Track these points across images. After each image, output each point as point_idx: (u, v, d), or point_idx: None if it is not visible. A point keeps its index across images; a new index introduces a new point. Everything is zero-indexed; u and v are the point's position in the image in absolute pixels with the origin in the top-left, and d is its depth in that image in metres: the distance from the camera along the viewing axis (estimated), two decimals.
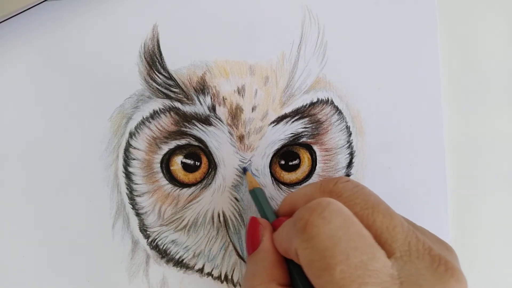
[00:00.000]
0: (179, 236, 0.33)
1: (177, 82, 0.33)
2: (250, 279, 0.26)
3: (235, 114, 0.33)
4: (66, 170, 0.33)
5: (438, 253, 0.21)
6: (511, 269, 0.33)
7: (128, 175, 0.33)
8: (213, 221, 0.32)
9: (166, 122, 0.33)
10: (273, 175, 0.33)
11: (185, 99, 0.33)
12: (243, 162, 0.32)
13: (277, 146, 0.33)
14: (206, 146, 0.33)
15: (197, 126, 0.33)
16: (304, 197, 0.26)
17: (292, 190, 0.33)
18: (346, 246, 0.21)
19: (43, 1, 0.33)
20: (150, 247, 0.32)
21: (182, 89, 0.33)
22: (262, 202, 0.30)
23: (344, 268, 0.20)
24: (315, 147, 0.33)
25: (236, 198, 0.32)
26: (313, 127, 0.33)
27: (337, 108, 0.34)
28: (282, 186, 0.33)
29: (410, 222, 0.24)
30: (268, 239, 0.27)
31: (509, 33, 0.35)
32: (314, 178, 0.33)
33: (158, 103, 0.33)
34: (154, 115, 0.33)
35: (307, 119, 0.33)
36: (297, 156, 0.33)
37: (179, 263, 0.32)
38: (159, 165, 0.33)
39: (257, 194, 0.30)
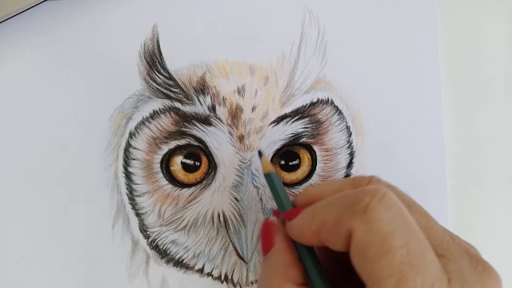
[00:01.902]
0: (179, 236, 0.33)
1: (177, 82, 0.33)
2: (265, 280, 0.25)
3: (235, 114, 0.33)
4: (66, 170, 0.33)
5: (475, 253, 0.22)
6: (511, 269, 0.33)
7: (128, 175, 0.33)
8: (213, 221, 0.32)
9: (166, 122, 0.33)
10: None
11: (185, 99, 0.33)
12: (243, 162, 0.32)
13: (277, 146, 0.33)
14: (206, 146, 0.33)
15: (197, 126, 0.33)
16: (333, 190, 0.26)
17: (293, 190, 0.33)
18: (405, 234, 0.21)
19: (43, 1, 0.33)
20: (150, 247, 0.32)
21: (182, 89, 0.33)
22: (279, 188, 0.29)
23: (404, 253, 0.20)
24: (315, 147, 0.33)
25: (236, 198, 0.32)
26: (313, 127, 0.33)
27: (337, 108, 0.34)
28: None
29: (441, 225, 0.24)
30: (282, 240, 0.27)
31: (509, 33, 0.35)
32: (314, 178, 0.33)
33: (158, 103, 0.33)
34: (154, 115, 0.33)
35: (307, 119, 0.33)
36: (297, 156, 0.33)
37: (179, 263, 0.32)
38: (159, 165, 0.33)
39: (273, 179, 0.29)
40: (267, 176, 0.29)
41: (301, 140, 0.33)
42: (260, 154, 0.31)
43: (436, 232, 0.23)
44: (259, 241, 0.29)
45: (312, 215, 0.24)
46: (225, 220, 0.32)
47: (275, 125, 0.33)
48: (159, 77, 0.33)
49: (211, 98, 0.33)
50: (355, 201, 0.22)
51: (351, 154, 0.34)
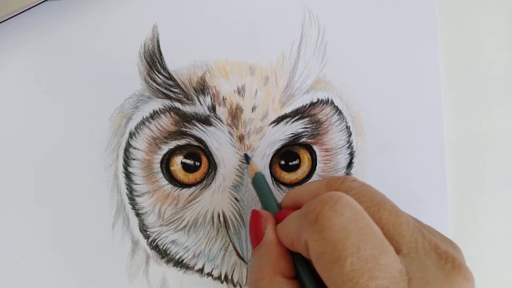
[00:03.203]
0: (179, 236, 0.33)
1: (177, 82, 0.33)
2: (255, 273, 0.25)
3: (235, 114, 0.33)
4: (66, 170, 0.33)
5: (445, 250, 0.21)
6: (511, 269, 0.33)
7: (128, 175, 0.33)
8: (213, 221, 0.32)
9: (166, 122, 0.33)
10: (273, 175, 0.33)
11: (185, 99, 0.33)
12: (243, 162, 0.32)
13: (277, 146, 0.33)
14: (206, 146, 0.33)
15: (197, 126, 0.33)
16: (310, 193, 0.26)
17: None
18: (357, 239, 0.21)
19: (43, 1, 0.33)
20: (150, 247, 0.32)
21: (182, 89, 0.33)
22: (264, 191, 0.29)
23: (355, 260, 0.20)
24: (315, 147, 0.33)
25: (236, 198, 0.32)
26: (313, 127, 0.33)
27: (337, 108, 0.34)
28: (282, 186, 0.33)
29: (416, 220, 0.24)
30: (271, 231, 0.26)
31: (509, 33, 0.35)
32: (314, 178, 0.33)
33: (158, 103, 0.33)
34: (154, 115, 0.33)
35: (307, 119, 0.33)
36: (297, 156, 0.33)
37: (179, 263, 0.32)
38: (159, 165, 0.33)
39: (259, 182, 0.30)
40: (253, 179, 0.30)
41: (301, 140, 0.33)
42: (247, 158, 0.31)
43: (405, 230, 0.22)
44: (248, 232, 0.29)
45: (285, 227, 0.25)
46: (225, 220, 0.32)
47: (275, 125, 0.33)
48: (159, 77, 0.33)
49: (211, 98, 0.33)
50: (307, 211, 0.23)
51: (351, 154, 0.34)
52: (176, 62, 0.33)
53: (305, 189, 0.27)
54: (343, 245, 0.21)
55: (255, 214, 0.28)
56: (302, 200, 0.26)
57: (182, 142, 0.33)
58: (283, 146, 0.33)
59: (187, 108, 0.33)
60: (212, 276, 0.32)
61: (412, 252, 0.21)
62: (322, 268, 0.21)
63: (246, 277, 0.32)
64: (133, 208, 0.33)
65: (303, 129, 0.33)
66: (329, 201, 0.22)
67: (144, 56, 0.33)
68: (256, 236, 0.27)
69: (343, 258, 0.20)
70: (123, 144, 0.33)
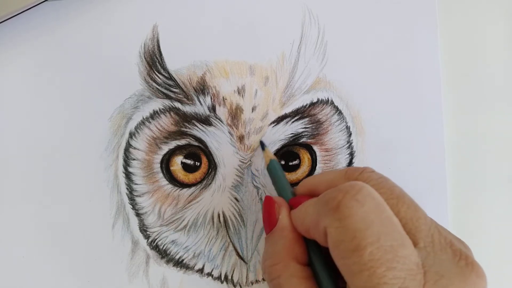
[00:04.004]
0: (179, 236, 0.33)
1: (177, 82, 0.33)
2: (269, 257, 0.26)
3: (235, 114, 0.33)
4: (66, 170, 0.33)
5: (459, 248, 0.22)
6: (511, 269, 0.33)
7: (128, 175, 0.33)
8: (213, 221, 0.32)
9: (166, 122, 0.33)
10: None
11: (185, 99, 0.33)
12: (243, 162, 0.32)
13: (277, 146, 0.33)
14: (206, 146, 0.33)
15: (197, 126, 0.33)
16: (327, 181, 0.26)
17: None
18: (377, 230, 0.21)
19: (43, 1, 0.33)
20: (150, 247, 0.32)
21: (182, 89, 0.33)
22: (279, 178, 0.29)
23: (374, 250, 0.20)
24: (315, 147, 0.33)
25: (236, 198, 0.32)
26: (313, 127, 0.33)
27: (337, 108, 0.34)
28: None
29: (430, 218, 0.24)
30: (286, 217, 0.27)
31: (509, 32, 0.35)
32: None
33: (158, 103, 0.33)
34: (154, 115, 0.33)
35: (307, 119, 0.33)
36: (297, 156, 0.33)
37: (179, 263, 0.32)
38: (159, 165, 0.33)
39: (274, 168, 0.30)
40: (269, 165, 0.30)
41: (301, 140, 0.33)
42: (262, 145, 0.31)
43: (422, 225, 0.22)
44: (262, 218, 0.29)
45: (301, 213, 0.25)
46: (225, 220, 0.32)
47: (275, 125, 0.33)
48: (159, 77, 0.33)
49: (211, 98, 0.33)
50: (329, 199, 0.23)
51: (351, 154, 0.34)
52: (176, 62, 0.33)
53: (322, 177, 0.27)
54: (363, 234, 0.21)
55: (268, 200, 0.28)
56: (319, 189, 0.26)
57: (182, 142, 0.33)
58: (283, 146, 0.33)
59: (187, 108, 0.33)
60: (212, 276, 0.32)
61: (428, 247, 0.22)
62: (340, 255, 0.21)
63: (247, 277, 0.32)
64: (133, 208, 0.33)
65: (303, 129, 0.33)
66: (351, 190, 0.22)
67: (144, 56, 0.33)
68: (270, 222, 0.27)
69: (362, 247, 0.20)
70: (123, 144, 0.33)
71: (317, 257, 0.25)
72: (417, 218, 0.23)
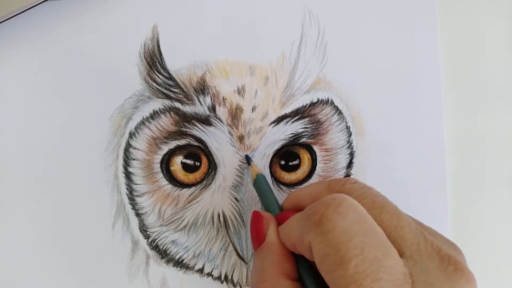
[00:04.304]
0: (179, 236, 0.33)
1: (177, 82, 0.33)
2: (258, 274, 0.25)
3: (235, 114, 0.33)
4: (66, 170, 0.33)
5: (447, 253, 0.21)
6: (511, 269, 0.33)
7: (128, 175, 0.33)
8: (213, 221, 0.32)
9: (166, 122, 0.33)
10: (273, 175, 0.33)
11: (185, 99, 0.33)
12: (243, 162, 0.32)
13: (277, 146, 0.33)
14: (206, 146, 0.33)
15: (197, 126, 0.33)
16: (311, 195, 0.26)
17: (293, 190, 0.33)
18: (361, 241, 0.21)
19: (43, 1, 0.33)
20: (150, 247, 0.32)
21: (182, 89, 0.33)
22: (266, 193, 0.29)
23: (359, 262, 0.20)
24: (315, 147, 0.33)
25: (236, 198, 0.32)
26: (313, 127, 0.33)
27: (337, 108, 0.34)
28: (282, 187, 0.33)
29: (417, 222, 0.24)
30: (274, 233, 0.26)
31: (509, 32, 0.35)
32: (314, 179, 0.33)
33: (158, 103, 0.33)
34: (154, 115, 0.33)
35: (307, 119, 0.33)
36: (297, 157, 0.33)
37: (179, 263, 0.32)
38: (159, 165, 0.33)
39: (261, 183, 0.30)
40: (254, 181, 0.30)
41: (301, 140, 0.33)
42: (248, 160, 0.31)
43: (407, 233, 0.22)
44: (250, 234, 0.28)
45: (288, 228, 0.25)
46: (225, 220, 0.32)
47: (275, 125, 0.33)
48: (159, 77, 0.33)
49: (211, 98, 0.33)
50: (311, 213, 0.22)
51: (351, 154, 0.34)
52: (176, 62, 0.33)
53: (306, 191, 0.27)
54: (346, 247, 0.21)
55: (256, 215, 0.28)
56: (304, 202, 0.26)
57: (182, 142, 0.33)
58: (283, 146, 0.33)
59: (187, 108, 0.33)
60: (212, 276, 0.32)
61: (415, 255, 0.21)
62: (326, 270, 0.21)
63: (246, 277, 0.32)
64: (133, 208, 0.33)
65: (303, 129, 0.33)
66: (332, 203, 0.22)
67: (144, 56, 0.33)
68: (258, 238, 0.27)
69: (346, 260, 0.20)
70: (123, 144, 0.33)
71: (306, 272, 0.25)
72: (401, 227, 0.22)
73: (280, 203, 0.29)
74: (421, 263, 0.21)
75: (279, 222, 0.27)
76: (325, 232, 0.21)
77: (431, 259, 0.21)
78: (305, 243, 0.23)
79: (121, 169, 0.33)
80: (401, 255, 0.21)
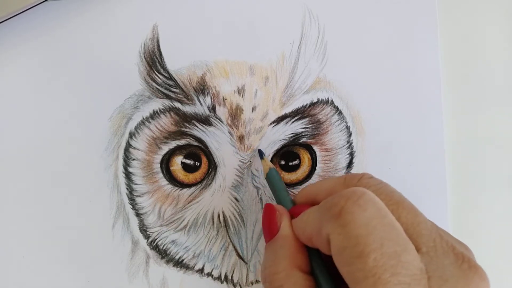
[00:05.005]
0: (179, 236, 0.33)
1: (177, 82, 0.33)
2: (270, 266, 0.25)
3: (235, 114, 0.33)
4: (66, 170, 0.33)
5: (461, 251, 0.22)
6: (511, 269, 0.33)
7: (128, 175, 0.33)
8: (213, 222, 0.32)
9: (166, 122, 0.33)
10: None
11: (185, 99, 0.33)
12: (243, 162, 0.32)
13: (277, 146, 0.33)
14: (206, 147, 0.33)
15: (197, 126, 0.33)
16: (326, 189, 0.26)
17: (293, 190, 0.33)
18: (380, 236, 0.21)
19: (43, 1, 0.33)
20: (150, 247, 0.32)
21: (182, 89, 0.33)
22: (279, 187, 0.29)
23: (378, 256, 0.20)
24: (315, 147, 0.33)
25: (236, 199, 0.32)
26: (313, 127, 0.33)
27: (337, 108, 0.34)
28: None
29: (431, 221, 0.24)
30: (288, 225, 0.26)
31: (509, 33, 0.35)
32: (314, 179, 0.33)
33: (158, 103, 0.33)
34: (154, 115, 0.33)
35: (307, 119, 0.33)
36: (297, 157, 0.33)
37: (179, 264, 0.32)
38: (159, 165, 0.33)
39: (273, 177, 0.29)
40: (268, 174, 0.30)
41: (301, 140, 0.33)
42: (261, 154, 0.31)
43: (423, 229, 0.22)
44: (262, 226, 0.28)
45: (304, 221, 0.25)
46: (225, 220, 0.32)
47: (275, 125, 0.33)
48: (159, 77, 0.33)
49: (211, 98, 0.33)
50: (331, 205, 0.22)
51: (351, 154, 0.34)
52: (176, 62, 0.33)
53: (321, 185, 0.27)
54: (366, 240, 0.21)
55: (269, 208, 0.28)
56: (318, 197, 0.26)
57: (182, 142, 0.33)
58: (283, 146, 0.33)
59: (187, 108, 0.33)
60: (212, 276, 0.32)
61: (431, 251, 0.21)
62: (344, 262, 0.21)
63: (247, 277, 0.32)
64: (133, 208, 0.33)
65: (303, 129, 0.33)
66: (352, 196, 0.22)
67: (144, 56, 0.33)
68: (271, 230, 0.27)
69: (366, 254, 0.20)
70: (123, 144, 0.33)
71: (319, 266, 0.25)
72: (418, 223, 0.23)
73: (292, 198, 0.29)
74: (437, 259, 0.21)
75: (292, 215, 0.27)
76: (345, 225, 0.21)
77: (447, 256, 0.21)
78: (323, 235, 0.23)
79: (121, 169, 0.33)
80: (417, 251, 0.21)
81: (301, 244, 0.26)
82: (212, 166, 0.33)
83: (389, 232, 0.21)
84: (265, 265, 0.26)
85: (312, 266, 0.25)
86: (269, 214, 0.27)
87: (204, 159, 0.33)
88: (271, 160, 0.33)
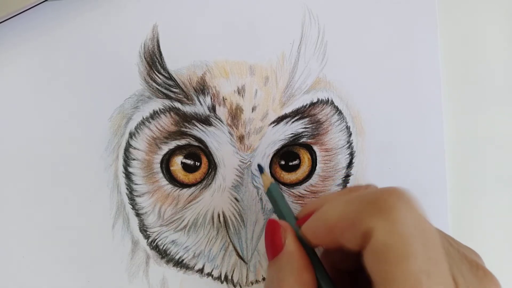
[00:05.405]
0: (179, 236, 0.33)
1: (177, 82, 0.33)
2: (276, 285, 0.24)
3: (235, 114, 0.33)
4: (66, 170, 0.33)
5: (474, 259, 0.22)
6: (511, 269, 0.33)
7: (128, 175, 0.33)
8: (213, 222, 0.32)
9: (166, 122, 0.33)
10: (273, 175, 0.33)
11: (185, 99, 0.33)
12: (243, 162, 0.32)
13: (277, 146, 0.33)
14: (206, 147, 0.33)
15: (197, 126, 0.33)
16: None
17: (292, 190, 0.33)
18: (427, 238, 0.20)
19: (43, 1, 0.33)
20: (150, 247, 0.32)
21: (182, 89, 0.33)
22: (281, 202, 0.28)
23: (425, 260, 0.19)
24: (315, 147, 0.33)
25: (236, 199, 0.32)
26: (313, 127, 0.33)
27: (337, 108, 0.34)
28: (282, 187, 0.33)
29: (438, 229, 0.24)
30: (293, 241, 0.25)
31: (509, 33, 0.35)
32: (314, 178, 0.33)
33: (158, 103, 0.33)
34: (154, 115, 0.33)
35: (307, 119, 0.33)
36: (297, 157, 0.33)
37: (179, 264, 0.32)
38: (159, 165, 0.33)
39: (275, 193, 0.28)
40: (268, 190, 0.29)
41: (301, 140, 0.33)
42: (261, 169, 0.30)
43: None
44: (265, 243, 0.27)
45: (328, 213, 0.23)
46: (225, 220, 0.32)
47: (275, 125, 0.33)
48: (159, 77, 0.33)
49: (211, 98, 0.33)
50: (378, 199, 0.21)
51: (351, 154, 0.34)
52: (176, 62, 0.33)
53: (327, 198, 0.26)
54: (414, 241, 0.19)
55: (272, 223, 0.26)
56: None
57: (182, 142, 0.33)
58: (283, 146, 0.33)
59: (187, 108, 0.33)
60: (212, 276, 0.32)
61: (449, 260, 0.21)
62: (383, 260, 0.20)
63: (247, 277, 0.32)
64: (133, 208, 0.33)
65: (303, 129, 0.33)
66: (402, 195, 0.21)
67: (144, 56, 0.33)
68: (275, 247, 0.25)
69: (414, 256, 0.19)
70: (123, 144, 0.33)
71: (326, 283, 0.24)
72: None
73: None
74: (456, 267, 0.21)
75: (299, 225, 0.26)
76: (395, 222, 0.20)
77: (463, 264, 0.21)
78: (361, 228, 0.21)
79: (121, 169, 0.33)
80: None
81: (306, 261, 0.24)
82: (212, 166, 0.33)
83: (433, 237, 0.20)
84: (269, 284, 0.25)
85: (319, 283, 0.24)
86: (272, 230, 0.26)
87: (204, 159, 0.33)
88: (271, 160, 0.33)
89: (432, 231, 0.20)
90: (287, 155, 0.33)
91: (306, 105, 0.33)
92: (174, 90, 0.33)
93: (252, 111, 0.33)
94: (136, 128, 0.33)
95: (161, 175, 0.33)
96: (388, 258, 0.19)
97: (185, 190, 0.33)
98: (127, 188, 0.33)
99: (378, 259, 0.20)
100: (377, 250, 0.20)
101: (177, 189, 0.33)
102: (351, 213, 0.22)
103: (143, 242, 0.33)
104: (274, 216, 0.31)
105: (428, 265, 0.19)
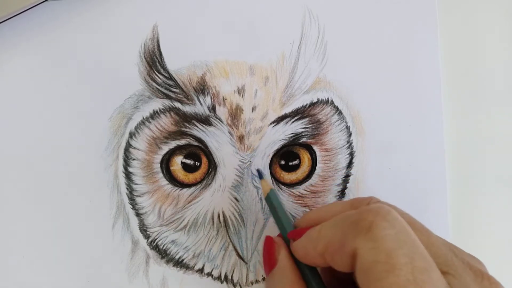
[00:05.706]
0: (179, 236, 0.33)
1: (177, 82, 0.33)
2: None
3: (235, 114, 0.33)
4: (66, 170, 0.33)
5: (479, 268, 0.22)
6: (511, 269, 0.33)
7: (128, 175, 0.33)
8: (213, 221, 0.32)
9: (166, 122, 0.33)
10: (273, 175, 0.33)
11: (185, 99, 0.33)
12: (243, 162, 0.32)
13: (277, 146, 0.33)
14: (206, 146, 0.33)
15: (197, 126, 0.33)
16: (333, 213, 0.26)
17: (292, 190, 0.33)
18: (410, 251, 0.20)
19: (43, 1, 0.33)
20: (150, 247, 0.32)
21: (182, 89, 0.33)
22: (280, 209, 0.29)
23: (409, 271, 0.20)
24: (315, 147, 0.33)
25: (236, 198, 0.32)
26: (313, 127, 0.33)
27: (337, 108, 0.34)
28: (282, 187, 0.33)
29: (442, 239, 0.24)
30: (285, 257, 0.26)
31: (509, 33, 0.35)
32: (314, 178, 0.33)
33: (158, 103, 0.33)
34: (154, 115, 0.33)
35: (307, 119, 0.33)
36: (297, 156, 0.33)
37: (179, 263, 0.32)
38: (159, 165, 0.33)
39: (274, 200, 0.29)
40: (267, 197, 0.29)
41: (301, 140, 0.33)
42: (260, 175, 0.31)
43: (439, 249, 0.22)
44: (262, 259, 0.28)
45: (318, 235, 0.24)
46: (225, 220, 0.32)
47: (275, 125, 0.33)
48: (159, 77, 0.33)
49: (211, 98, 0.33)
50: (359, 219, 0.22)
51: (351, 154, 0.34)
52: (176, 62, 0.33)
53: (328, 210, 0.27)
54: (397, 254, 0.20)
55: (268, 241, 0.28)
56: (323, 221, 0.25)
57: (182, 142, 0.33)
58: (283, 146, 0.33)
59: (187, 108, 0.33)
60: (212, 276, 0.32)
61: (451, 270, 0.21)
62: (373, 278, 0.20)
63: (246, 277, 0.32)
64: (133, 208, 0.33)
65: (303, 129, 0.33)
66: (380, 211, 0.22)
67: (144, 56, 0.33)
68: (270, 263, 0.27)
69: (398, 268, 0.20)
70: (123, 144, 0.33)
71: None
72: (432, 244, 0.22)
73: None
74: (459, 277, 0.21)
75: (293, 238, 0.27)
76: (376, 239, 0.21)
77: (466, 273, 0.21)
78: (347, 249, 0.22)
79: (121, 169, 0.33)
80: None
81: (298, 276, 0.25)
82: (212, 166, 0.33)
83: (417, 248, 0.21)
84: None
85: None
86: (268, 247, 0.27)
87: (204, 159, 0.33)
88: (271, 160, 0.33)
89: (415, 242, 0.21)
90: (287, 155, 0.33)
91: (306, 105, 0.33)
92: (174, 90, 0.33)
93: (252, 111, 0.33)
94: (136, 128, 0.33)
95: (161, 175, 0.33)
96: (376, 274, 0.20)
97: (185, 190, 0.33)
98: (127, 188, 0.33)
99: (367, 277, 0.21)
100: (364, 268, 0.21)
101: (177, 189, 0.33)
102: (338, 237, 0.23)
103: (143, 242, 0.33)
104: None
105: (414, 275, 0.20)
